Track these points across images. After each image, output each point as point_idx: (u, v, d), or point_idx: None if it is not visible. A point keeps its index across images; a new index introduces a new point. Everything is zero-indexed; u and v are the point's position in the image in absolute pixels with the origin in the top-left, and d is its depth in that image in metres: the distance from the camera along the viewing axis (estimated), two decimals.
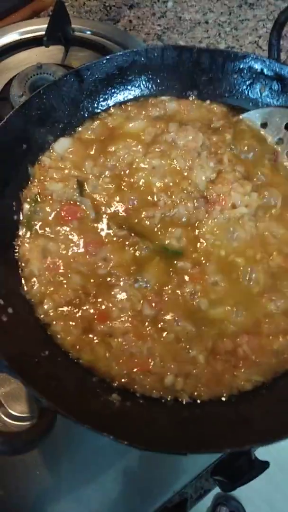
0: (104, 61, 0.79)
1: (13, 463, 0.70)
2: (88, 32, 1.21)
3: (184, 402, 0.59)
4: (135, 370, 0.62)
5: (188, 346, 0.64)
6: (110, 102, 0.84)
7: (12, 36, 1.15)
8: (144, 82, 0.84)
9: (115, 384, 0.61)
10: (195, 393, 0.60)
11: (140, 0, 1.45)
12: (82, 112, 0.82)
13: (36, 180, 0.77)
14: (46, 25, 1.11)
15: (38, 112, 0.75)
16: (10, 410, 0.75)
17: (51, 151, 0.79)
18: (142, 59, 0.80)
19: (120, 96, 0.84)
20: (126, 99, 0.84)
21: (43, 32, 1.12)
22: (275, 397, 0.60)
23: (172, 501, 0.74)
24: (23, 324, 0.63)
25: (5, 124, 0.70)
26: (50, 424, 0.49)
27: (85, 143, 0.81)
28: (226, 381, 0.61)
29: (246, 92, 0.81)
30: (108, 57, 0.79)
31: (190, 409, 0.58)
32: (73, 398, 0.56)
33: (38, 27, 1.17)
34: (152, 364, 0.62)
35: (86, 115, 0.82)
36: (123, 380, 0.61)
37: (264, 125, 0.80)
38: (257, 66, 0.77)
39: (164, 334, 0.64)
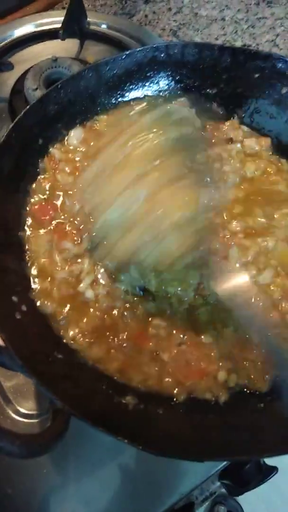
0: (124, 57, 0.77)
1: (20, 462, 0.70)
2: (104, 26, 1.19)
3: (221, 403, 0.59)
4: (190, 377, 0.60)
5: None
6: (127, 98, 0.83)
7: (27, 28, 1.13)
8: (162, 79, 0.82)
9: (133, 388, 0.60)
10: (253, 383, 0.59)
11: None
12: (99, 108, 0.80)
13: (46, 174, 0.75)
14: (61, 18, 1.09)
15: (55, 107, 0.74)
16: (18, 407, 0.74)
17: (64, 143, 0.78)
18: (162, 55, 0.79)
19: (137, 93, 0.83)
20: (143, 95, 0.83)
21: (58, 25, 1.11)
22: None
23: (179, 503, 0.74)
24: (37, 322, 0.62)
25: (23, 118, 0.68)
26: (65, 426, 0.48)
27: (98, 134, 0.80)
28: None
29: (267, 92, 0.79)
30: (127, 52, 0.77)
31: (210, 411, 0.58)
32: (88, 399, 0.55)
33: (53, 19, 1.15)
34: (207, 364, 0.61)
35: (103, 110, 0.81)
36: (176, 390, 0.60)
37: None
38: (280, 66, 0.75)
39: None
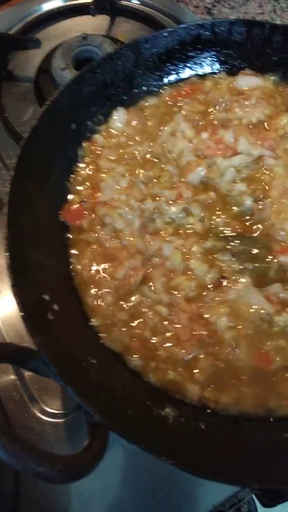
0: (166, 34, 0.71)
1: None
2: (135, 1, 1.12)
3: None
4: None
5: None
6: (167, 80, 0.76)
7: (56, 2, 1.06)
8: (206, 60, 0.76)
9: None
10: None
11: None
12: (136, 90, 0.74)
13: (86, 162, 0.70)
14: None
15: (90, 89, 0.68)
16: (44, 406, 0.71)
17: (106, 127, 0.73)
18: (207, 33, 0.72)
19: (178, 74, 0.76)
20: (185, 77, 0.76)
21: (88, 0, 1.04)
22: None
23: None
24: (70, 322, 0.58)
25: (55, 101, 0.63)
26: (105, 443, 0.44)
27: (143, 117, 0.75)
28: None
29: None
30: (170, 29, 0.71)
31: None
32: (125, 411, 0.50)
33: None
34: None
35: (140, 93, 0.75)
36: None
37: None
38: None
39: None
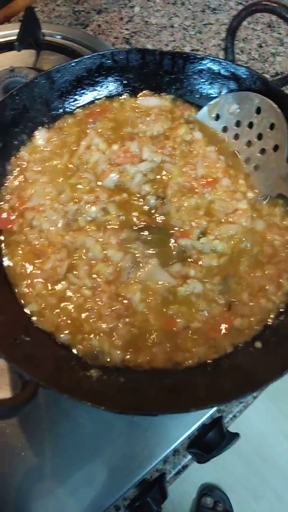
0: (73, 64, 0.84)
1: None
2: (58, 37, 1.26)
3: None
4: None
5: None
6: (80, 102, 0.89)
7: None
8: (111, 83, 0.89)
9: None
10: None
11: (108, 6, 1.51)
12: (54, 112, 0.87)
13: (15, 175, 0.82)
14: (17, 30, 1.15)
15: (12, 113, 0.80)
16: None
17: (30, 144, 0.85)
18: (109, 61, 0.86)
19: (89, 96, 0.90)
20: (95, 98, 0.90)
21: (15, 37, 1.16)
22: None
23: (151, 476, 0.80)
24: (4, 310, 0.68)
25: None
26: (33, 394, 0.54)
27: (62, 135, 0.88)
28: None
29: (206, 92, 0.87)
30: (77, 59, 0.84)
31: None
32: (54, 373, 0.61)
33: (10, 32, 1.21)
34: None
35: (58, 114, 0.88)
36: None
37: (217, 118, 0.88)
38: (215, 68, 0.84)
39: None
